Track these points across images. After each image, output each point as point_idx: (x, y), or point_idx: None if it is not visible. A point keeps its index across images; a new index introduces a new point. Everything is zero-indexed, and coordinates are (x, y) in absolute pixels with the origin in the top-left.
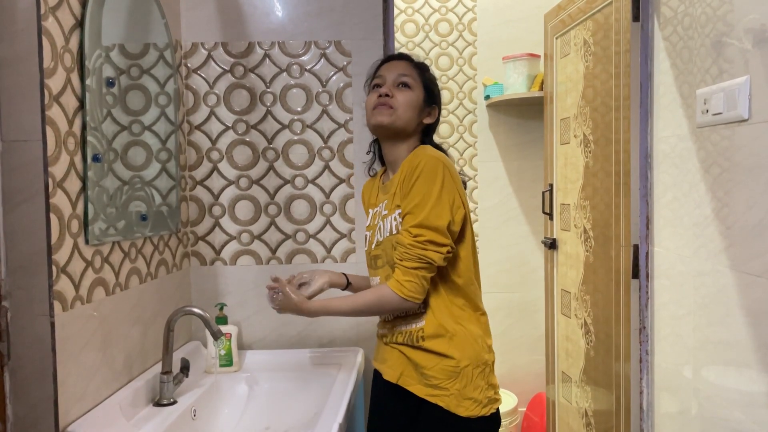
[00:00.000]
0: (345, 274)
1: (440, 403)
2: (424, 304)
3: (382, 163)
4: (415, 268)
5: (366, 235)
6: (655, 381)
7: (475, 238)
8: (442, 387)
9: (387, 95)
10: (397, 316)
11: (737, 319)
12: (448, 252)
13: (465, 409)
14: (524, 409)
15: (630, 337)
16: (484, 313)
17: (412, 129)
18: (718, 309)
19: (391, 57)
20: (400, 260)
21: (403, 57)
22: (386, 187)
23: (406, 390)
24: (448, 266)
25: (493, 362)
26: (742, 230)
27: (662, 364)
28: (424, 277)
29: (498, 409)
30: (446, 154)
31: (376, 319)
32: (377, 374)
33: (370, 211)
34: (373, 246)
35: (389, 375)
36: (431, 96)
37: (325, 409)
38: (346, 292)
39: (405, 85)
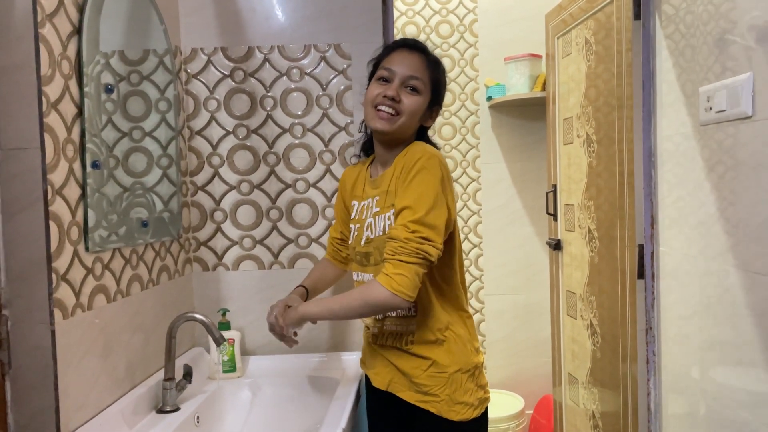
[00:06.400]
0: (303, 286)
1: (431, 409)
2: (415, 308)
3: (371, 147)
4: (410, 263)
5: (351, 228)
6: (663, 382)
7: (479, 240)
8: (432, 393)
9: (393, 99)
10: (387, 316)
11: (744, 318)
12: (439, 251)
13: (456, 414)
14: (531, 411)
15: (636, 337)
16: (469, 315)
17: (410, 134)
18: (724, 309)
19: (405, 44)
20: (393, 254)
21: (417, 48)
22: (376, 182)
23: (396, 396)
24: (436, 271)
25: (482, 363)
26: (748, 229)
27: (669, 365)
28: (417, 273)
29: (487, 407)
30: (438, 149)
31: None
32: (368, 378)
33: (354, 203)
34: (362, 243)
35: (378, 382)
36: (436, 98)
37: (329, 415)
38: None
39: (414, 89)
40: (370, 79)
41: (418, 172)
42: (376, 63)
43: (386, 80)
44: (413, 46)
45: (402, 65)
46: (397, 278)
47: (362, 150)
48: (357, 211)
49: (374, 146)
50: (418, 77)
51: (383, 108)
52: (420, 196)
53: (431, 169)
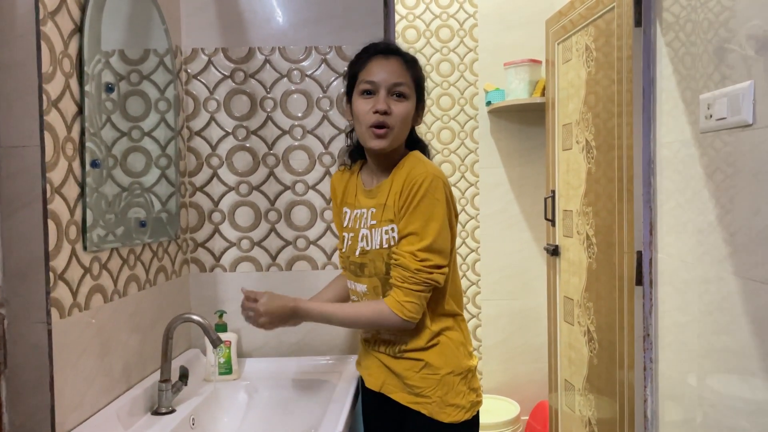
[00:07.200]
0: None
1: (423, 411)
2: None
3: (359, 155)
4: (420, 291)
5: (345, 237)
6: (660, 389)
7: (477, 245)
8: (424, 395)
9: (386, 112)
10: None
11: (742, 326)
12: (446, 274)
13: (447, 416)
14: (527, 417)
15: (634, 344)
16: (463, 319)
17: (402, 139)
18: (722, 316)
19: (378, 51)
20: (402, 282)
21: (392, 52)
22: (372, 193)
23: (389, 397)
24: None
25: (475, 367)
26: (747, 236)
27: (666, 372)
28: (425, 297)
29: (478, 410)
30: (428, 152)
31: None
32: (362, 378)
33: (347, 210)
34: (357, 253)
35: (371, 383)
36: (421, 95)
37: (325, 418)
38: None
39: (401, 95)
40: (348, 92)
41: (424, 197)
42: (354, 74)
43: (370, 93)
44: (387, 50)
45: (383, 74)
46: (408, 305)
47: (349, 157)
48: (350, 219)
49: (366, 155)
50: (403, 82)
51: (377, 126)
52: (427, 222)
53: (435, 192)
